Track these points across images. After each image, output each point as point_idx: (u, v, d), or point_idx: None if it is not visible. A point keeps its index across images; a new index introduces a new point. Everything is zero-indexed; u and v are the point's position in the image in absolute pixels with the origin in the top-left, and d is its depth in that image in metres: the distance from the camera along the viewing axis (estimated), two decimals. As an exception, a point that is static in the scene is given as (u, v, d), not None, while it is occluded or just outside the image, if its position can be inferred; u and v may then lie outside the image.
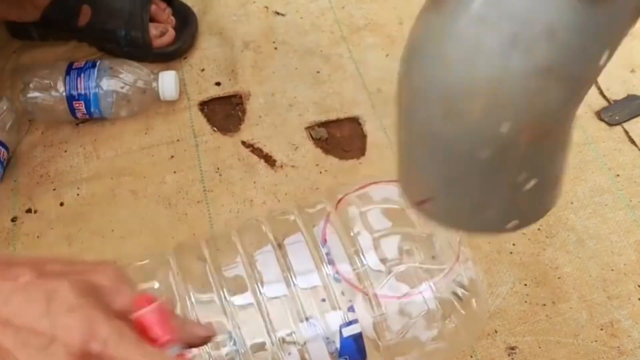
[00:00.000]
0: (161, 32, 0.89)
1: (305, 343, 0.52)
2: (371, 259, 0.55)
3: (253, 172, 0.80)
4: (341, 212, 0.58)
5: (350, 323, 0.53)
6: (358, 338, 0.52)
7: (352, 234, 0.56)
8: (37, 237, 0.74)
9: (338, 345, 0.53)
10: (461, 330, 0.56)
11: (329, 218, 0.57)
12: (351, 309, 0.53)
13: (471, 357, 0.66)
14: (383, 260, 0.55)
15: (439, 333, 0.55)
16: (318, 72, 0.90)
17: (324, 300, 0.54)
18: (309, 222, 0.58)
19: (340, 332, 0.52)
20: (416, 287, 0.54)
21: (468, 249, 0.56)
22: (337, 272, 0.54)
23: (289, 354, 0.52)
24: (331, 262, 0.55)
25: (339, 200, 0.59)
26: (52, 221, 0.76)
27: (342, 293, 0.54)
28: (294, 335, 0.53)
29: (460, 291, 0.55)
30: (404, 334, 0.54)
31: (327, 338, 0.53)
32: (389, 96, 0.86)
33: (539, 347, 0.66)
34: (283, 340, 0.53)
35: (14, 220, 0.76)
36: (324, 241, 0.56)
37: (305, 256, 0.55)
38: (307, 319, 0.53)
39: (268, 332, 0.53)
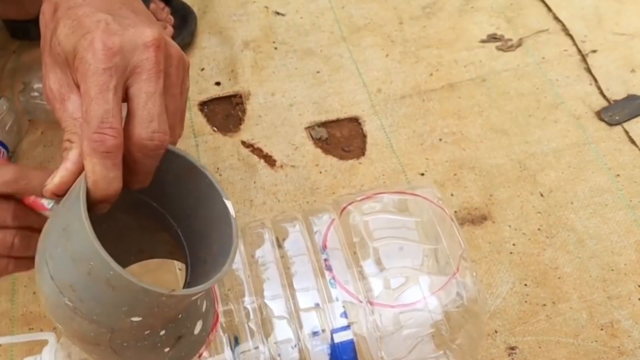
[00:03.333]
0: (160, 31, 0.89)
1: (295, 346, 0.52)
2: (369, 267, 0.55)
3: (253, 172, 0.80)
4: (344, 220, 0.58)
5: (342, 329, 0.53)
6: (350, 344, 0.52)
7: (352, 242, 0.56)
8: (37, 237, 0.74)
9: (329, 350, 0.52)
10: (462, 343, 0.56)
11: (331, 225, 0.58)
12: (343, 314, 0.53)
13: (471, 357, 0.66)
14: (381, 269, 0.55)
15: (439, 345, 0.55)
16: (318, 72, 0.90)
17: (317, 304, 0.54)
18: (312, 227, 0.58)
19: (332, 338, 0.52)
20: (413, 297, 0.54)
21: (469, 261, 0.56)
22: (334, 278, 0.54)
23: (279, 355, 0.52)
24: (329, 268, 0.55)
25: (343, 209, 0.59)
26: (52, 221, 0.76)
27: (337, 299, 0.54)
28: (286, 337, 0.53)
29: (459, 303, 0.55)
30: (400, 344, 0.54)
31: (319, 343, 0.53)
32: (389, 96, 0.87)
33: (539, 347, 0.66)
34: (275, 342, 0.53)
35: (13, 220, 0.76)
36: (324, 247, 0.56)
37: (303, 260, 0.56)
38: (300, 322, 0.53)
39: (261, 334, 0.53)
